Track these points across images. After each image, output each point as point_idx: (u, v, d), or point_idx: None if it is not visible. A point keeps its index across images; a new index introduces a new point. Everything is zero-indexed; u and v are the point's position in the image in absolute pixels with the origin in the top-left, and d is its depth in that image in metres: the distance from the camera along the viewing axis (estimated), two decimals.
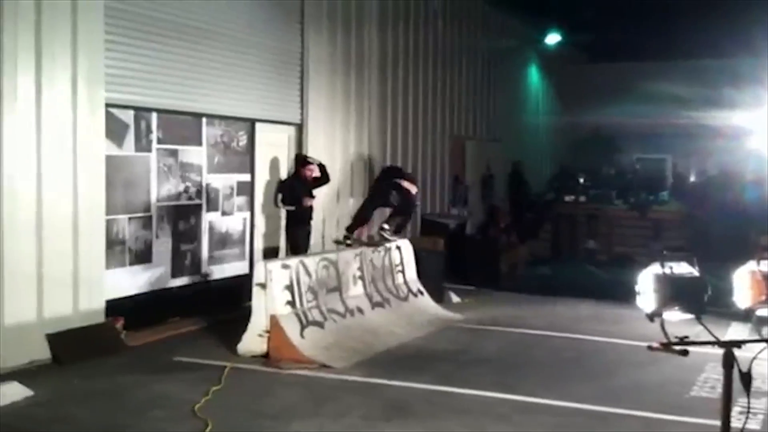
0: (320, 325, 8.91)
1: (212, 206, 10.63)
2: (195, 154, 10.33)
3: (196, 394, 6.96)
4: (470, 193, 17.62)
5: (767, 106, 17.43)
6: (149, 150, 9.63)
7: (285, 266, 8.84)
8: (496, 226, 15.95)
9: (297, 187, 11.19)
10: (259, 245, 11.46)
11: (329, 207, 12.45)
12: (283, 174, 11.79)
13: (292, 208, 11.11)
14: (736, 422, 3.91)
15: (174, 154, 10.00)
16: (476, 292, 12.82)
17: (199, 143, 10.40)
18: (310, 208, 11.31)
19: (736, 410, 4.38)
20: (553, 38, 21.65)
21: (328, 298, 9.34)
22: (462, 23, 17.29)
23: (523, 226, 17.21)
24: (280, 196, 11.19)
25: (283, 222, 11.35)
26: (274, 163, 11.76)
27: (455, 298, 12.09)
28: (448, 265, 12.90)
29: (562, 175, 19.89)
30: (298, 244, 10.98)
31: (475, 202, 17.83)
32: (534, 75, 22.56)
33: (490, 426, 6.47)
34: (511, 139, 20.07)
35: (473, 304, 11.99)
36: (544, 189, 19.48)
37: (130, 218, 9.38)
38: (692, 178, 20.95)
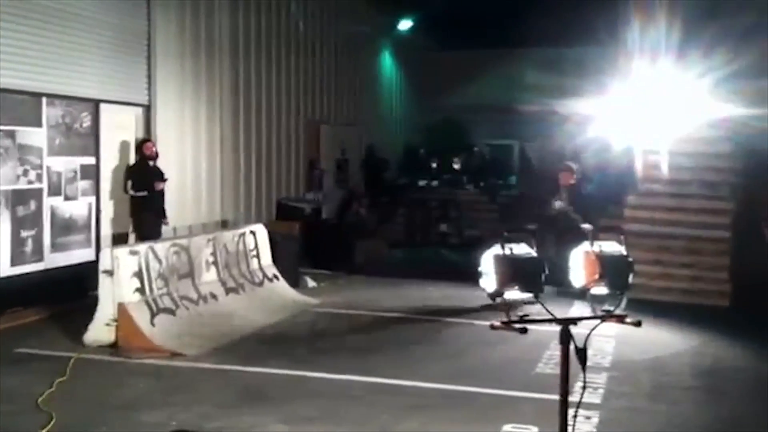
0: (172, 312, 8.70)
1: (54, 190, 10.17)
2: (34, 136, 9.83)
3: (39, 387, 6.66)
4: (325, 177, 17.63)
5: (608, 94, 18.26)
6: None
7: (133, 252, 8.57)
8: (351, 209, 16.05)
9: (146, 172, 10.89)
10: (106, 231, 11.05)
11: (179, 191, 12.16)
12: (131, 157, 11.42)
13: (144, 193, 10.80)
14: (578, 396, 4.09)
15: (11, 135, 9.49)
16: (332, 276, 12.86)
17: (39, 124, 9.91)
18: (162, 192, 11.04)
19: (578, 385, 4.58)
20: (405, 24, 21.93)
21: (180, 284, 9.12)
22: (316, 7, 17.23)
23: (378, 210, 17.42)
24: (129, 182, 10.85)
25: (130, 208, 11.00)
26: (121, 146, 11.36)
27: (311, 283, 12.09)
28: (304, 250, 12.88)
29: (407, 158, 20.21)
30: (149, 232, 10.65)
31: (330, 186, 17.85)
32: (388, 61, 22.78)
33: (345, 408, 6.51)
34: (366, 123, 20.22)
35: (329, 288, 12.04)
36: (395, 173, 19.74)
37: None
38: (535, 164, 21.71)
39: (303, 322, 9.83)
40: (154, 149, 11.08)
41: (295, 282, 11.56)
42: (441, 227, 17.34)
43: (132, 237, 11.11)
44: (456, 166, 19.39)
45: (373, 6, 20.09)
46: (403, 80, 23.79)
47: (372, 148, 19.44)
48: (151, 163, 11.00)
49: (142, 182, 10.81)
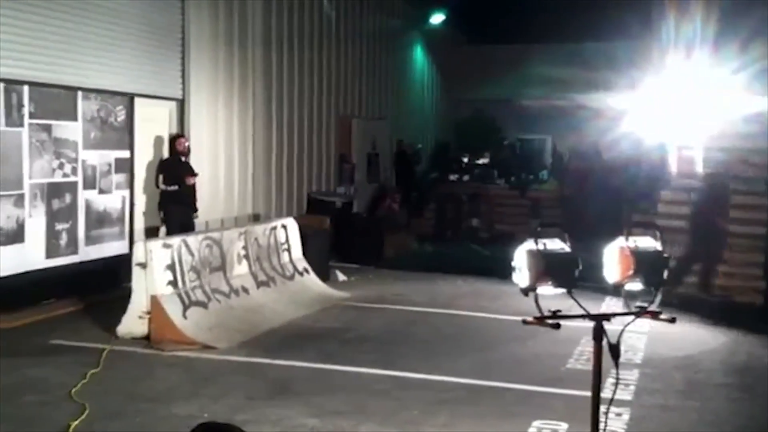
0: (204, 305, 8.77)
1: (89, 184, 10.28)
2: (70, 130, 9.95)
3: (73, 378, 6.76)
4: (356, 171, 17.65)
5: (641, 89, 18.08)
6: (21, 125, 9.22)
7: (166, 245, 8.65)
8: (384, 205, 16.13)
9: (178, 166, 10.98)
10: (140, 224, 11.17)
11: (211, 185, 12.24)
12: (165, 151, 11.53)
13: (176, 187, 10.89)
14: (609, 393, 4.07)
15: (47, 129, 9.61)
16: (362, 270, 12.89)
17: (75, 118, 10.02)
18: (193, 187, 11.12)
19: (610, 381, 4.56)
20: (437, 18, 21.88)
21: (212, 277, 9.19)
22: (348, 1, 17.24)
23: (409, 204, 17.45)
24: (161, 177, 10.93)
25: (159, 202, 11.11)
26: (154, 140, 11.47)
27: (341, 277, 12.12)
28: (334, 244, 12.92)
29: (439, 153, 20.15)
30: (176, 226, 10.70)
31: (361, 180, 17.88)
32: (419, 55, 22.75)
33: (371, 402, 6.53)
34: (397, 117, 20.21)
35: (359, 282, 12.06)
36: (426, 167, 19.68)
37: (0, 196, 8.97)
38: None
39: (333, 315, 9.86)
40: (186, 144, 11.17)
41: (325, 276, 11.60)
42: (471, 222, 17.31)
43: (162, 230, 11.20)
44: (484, 161, 19.28)
45: (405, 0, 20.06)
46: (434, 74, 23.74)
47: (401, 142, 19.41)
48: (182, 158, 11.09)
49: (174, 176, 10.90)
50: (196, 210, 11.30)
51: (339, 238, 13.34)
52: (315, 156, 15.97)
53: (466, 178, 18.26)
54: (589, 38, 21.08)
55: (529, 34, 21.48)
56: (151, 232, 11.08)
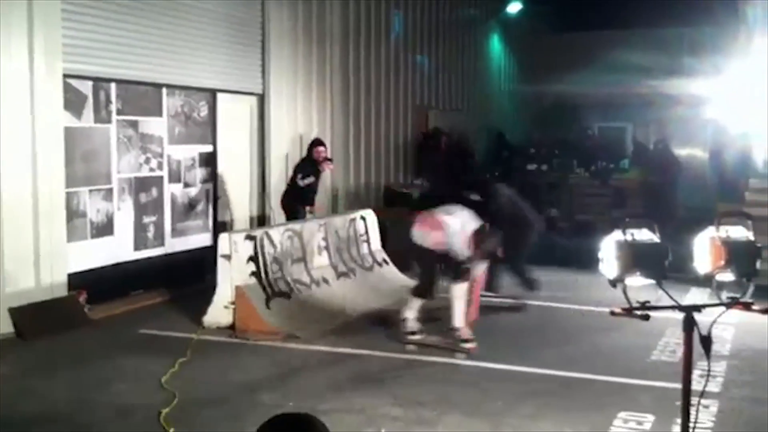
0: (286, 295, 8.92)
1: (174, 178, 10.54)
2: (155, 125, 10.20)
3: (162, 366, 6.95)
4: None
5: (725, 75, 17.59)
6: (109, 121, 9.50)
7: (249, 237, 8.82)
8: None
9: (309, 167, 11.18)
10: (222, 217, 11.41)
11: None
12: (245, 145, 11.75)
13: (312, 179, 11.11)
14: (696, 385, 3.99)
15: (134, 125, 9.88)
16: None
17: (160, 114, 10.28)
18: (313, 187, 11.31)
19: (696, 373, 4.47)
20: (514, 7, 21.65)
21: (293, 268, 9.34)
22: None
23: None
24: (300, 175, 11.11)
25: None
26: (236, 134, 11.67)
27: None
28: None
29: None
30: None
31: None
32: (496, 45, 22.54)
33: (457, 392, 6.55)
34: (474, 108, 20.07)
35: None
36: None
37: (90, 191, 9.28)
38: (651, 147, 21.07)
39: None
40: (323, 155, 11.27)
41: (404, 266, 11.62)
42: (550, 212, 17.09)
43: (246, 223, 11.37)
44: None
45: None
46: (512, 64, 23.49)
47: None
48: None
49: (309, 170, 11.10)
50: (313, 204, 11.44)
51: None
52: (392, 148, 16.01)
53: (544, 167, 18.00)
54: (672, 24, 20.57)
55: (610, 20, 21.06)
56: (233, 225, 11.32)
